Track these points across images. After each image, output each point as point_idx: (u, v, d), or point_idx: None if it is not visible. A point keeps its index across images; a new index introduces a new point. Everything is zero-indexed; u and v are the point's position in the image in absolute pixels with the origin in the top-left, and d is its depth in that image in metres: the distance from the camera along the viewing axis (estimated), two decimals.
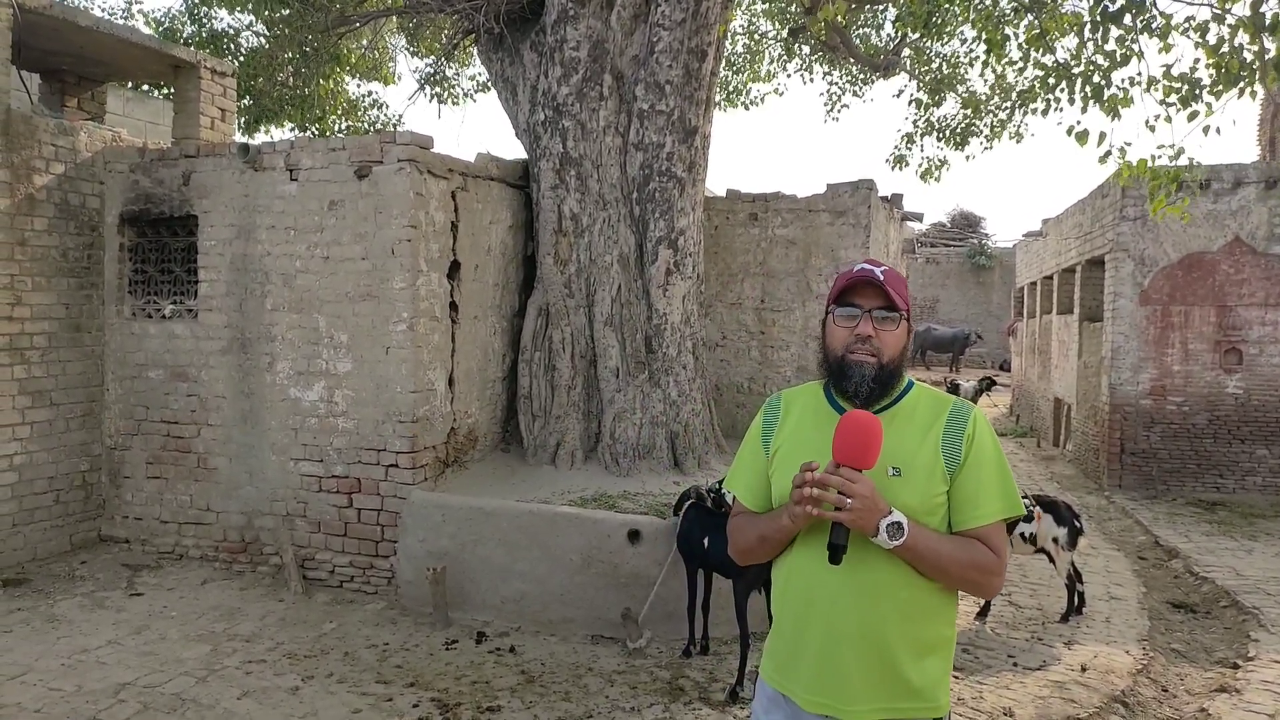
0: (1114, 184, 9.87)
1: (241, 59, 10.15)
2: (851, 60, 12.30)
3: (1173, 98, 5.22)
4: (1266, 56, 4.82)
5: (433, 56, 11.53)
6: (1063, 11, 5.91)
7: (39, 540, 6.36)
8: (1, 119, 5.96)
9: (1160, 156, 5.52)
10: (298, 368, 6.22)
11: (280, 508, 6.25)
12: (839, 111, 12.98)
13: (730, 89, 13.39)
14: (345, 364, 6.09)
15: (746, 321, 8.80)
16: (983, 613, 5.82)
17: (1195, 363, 9.81)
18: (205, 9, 10.43)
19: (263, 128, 11.00)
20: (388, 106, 14.18)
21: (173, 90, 8.01)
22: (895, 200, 9.82)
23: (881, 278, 1.92)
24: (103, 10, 12.24)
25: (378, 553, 6.02)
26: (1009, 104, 11.30)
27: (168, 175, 6.55)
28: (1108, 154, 5.46)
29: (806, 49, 12.55)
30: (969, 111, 11.72)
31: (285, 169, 6.20)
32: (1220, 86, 5.00)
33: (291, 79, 10.33)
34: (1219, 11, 4.98)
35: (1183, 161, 5.53)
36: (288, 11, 9.58)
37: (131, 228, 6.80)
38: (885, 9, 12.01)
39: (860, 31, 12.64)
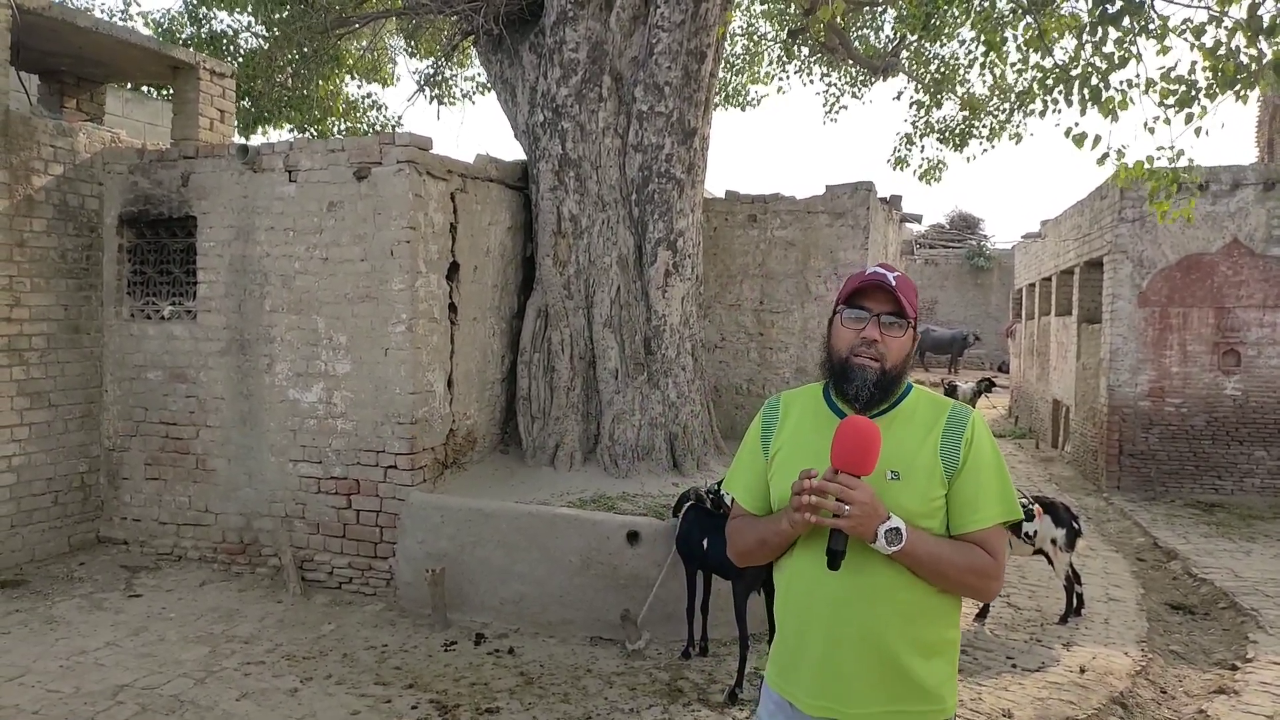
0: (1112, 186, 9.88)
1: (240, 60, 10.15)
2: (850, 62, 12.29)
3: (1170, 100, 5.22)
4: (1263, 59, 4.83)
5: (432, 58, 11.53)
6: (1062, 13, 5.92)
7: (37, 541, 6.35)
8: (0, 120, 5.96)
9: (1159, 158, 5.54)
10: (296, 369, 6.22)
11: (279, 509, 6.25)
12: (837, 113, 13.01)
13: (729, 90, 13.40)
14: (344, 365, 6.09)
15: (745, 323, 8.81)
16: (981, 614, 5.83)
17: (1194, 364, 9.81)
18: (204, 10, 10.42)
19: (262, 129, 11.01)
20: (387, 108, 14.21)
21: (172, 91, 8.01)
22: (894, 201, 9.83)
23: (894, 283, 1.93)
24: (102, 11, 12.24)
25: (376, 554, 6.02)
26: (1008, 105, 11.32)
27: (167, 176, 6.55)
28: (1105, 156, 5.48)
29: (805, 50, 12.55)
30: (968, 113, 11.73)
31: (284, 170, 6.21)
32: (1217, 89, 5.01)
33: (291, 80, 10.33)
34: (1216, 14, 4.99)
35: (1182, 163, 5.54)
36: (287, 12, 9.58)
37: (130, 229, 6.80)
38: (884, 10, 12.02)
39: (859, 33, 12.64)
